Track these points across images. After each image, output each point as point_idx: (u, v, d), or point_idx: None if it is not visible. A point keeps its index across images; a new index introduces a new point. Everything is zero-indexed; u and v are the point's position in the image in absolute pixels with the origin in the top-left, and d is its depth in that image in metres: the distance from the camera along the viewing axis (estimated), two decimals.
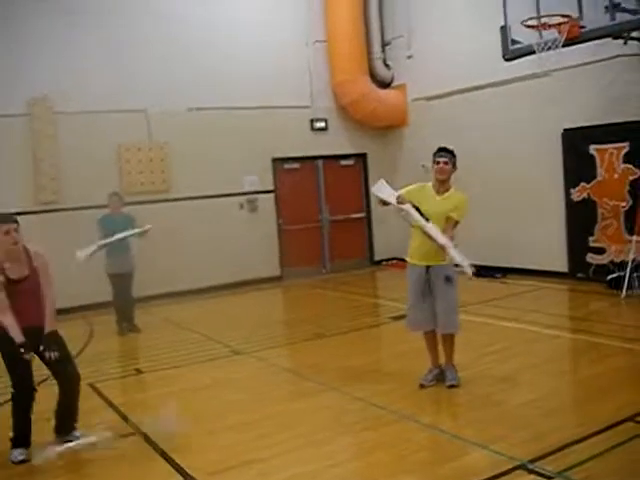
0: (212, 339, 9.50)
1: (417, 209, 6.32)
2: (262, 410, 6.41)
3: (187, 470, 5.11)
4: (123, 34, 12.63)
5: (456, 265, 6.26)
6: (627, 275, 10.25)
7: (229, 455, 5.35)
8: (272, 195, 14.55)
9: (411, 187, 6.61)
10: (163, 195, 13.17)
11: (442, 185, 6.51)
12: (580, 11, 9.40)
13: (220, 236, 13.60)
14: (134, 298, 10.45)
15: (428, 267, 6.49)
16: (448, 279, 6.46)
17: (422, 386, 6.66)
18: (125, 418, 6.40)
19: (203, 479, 4.98)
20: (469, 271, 5.98)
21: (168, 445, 5.53)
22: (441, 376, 6.75)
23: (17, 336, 5.36)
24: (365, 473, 5.05)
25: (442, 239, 6.14)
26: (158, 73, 12.93)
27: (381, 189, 6.70)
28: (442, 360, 6.81)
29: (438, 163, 6.47)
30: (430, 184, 6.58)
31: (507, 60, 10.48)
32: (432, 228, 6.20)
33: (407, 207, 6.30)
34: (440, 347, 6.79)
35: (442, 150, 6.52)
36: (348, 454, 5.41)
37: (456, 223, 6.40)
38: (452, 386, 6.56)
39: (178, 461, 5.28)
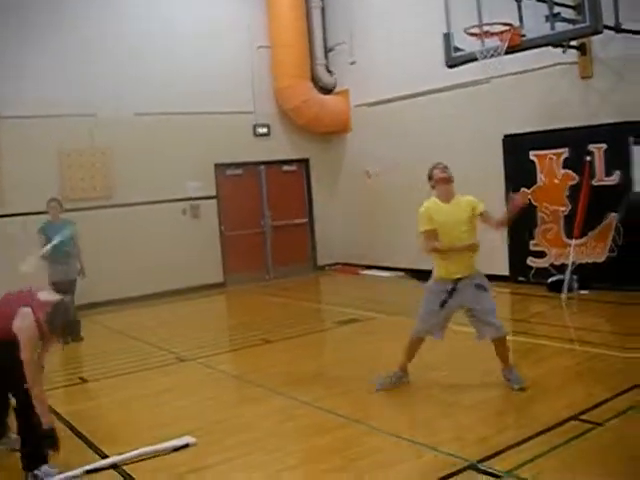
0: (157, 346, 9.39)
1: None
2: (210, 416, 6.36)
3: (134, 477, 5.04)
4: (65, 39, 12.44)
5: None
6: (567, 278, 10.49)
7: (177, 462, 5.27)
8: (214, 201, 14.45)
9: (425, 212, 6.67)
10: (105, 201, 12.96)
11: (448, 193, 6.74)
12: (521, 20, 9.62)
13: (162, 242, 13.42)
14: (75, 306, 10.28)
15: (458, 281, 6.55)
16: (479, 286, 6.60)
17: (378, 389, 6.70)
18: (71, 427, 6.27)
19: None
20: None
21: (114, 452, 5.45)
22: (403, 380, 6.83)
23: (45, 416, 5.07)
24: (316, 478, 5.01)
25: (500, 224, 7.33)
26: (100, 78, 12.72)
27: None
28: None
29: (443, 172, 6.74)
30: (432, 199, 6.75)
31: (449, 67, 10.57)
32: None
33: None
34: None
35: (439, 164, 6.81)
36: (298, 459, 5.36)
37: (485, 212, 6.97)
38: (522, 389, 6.50)
39: (124, 468, 5.20)
